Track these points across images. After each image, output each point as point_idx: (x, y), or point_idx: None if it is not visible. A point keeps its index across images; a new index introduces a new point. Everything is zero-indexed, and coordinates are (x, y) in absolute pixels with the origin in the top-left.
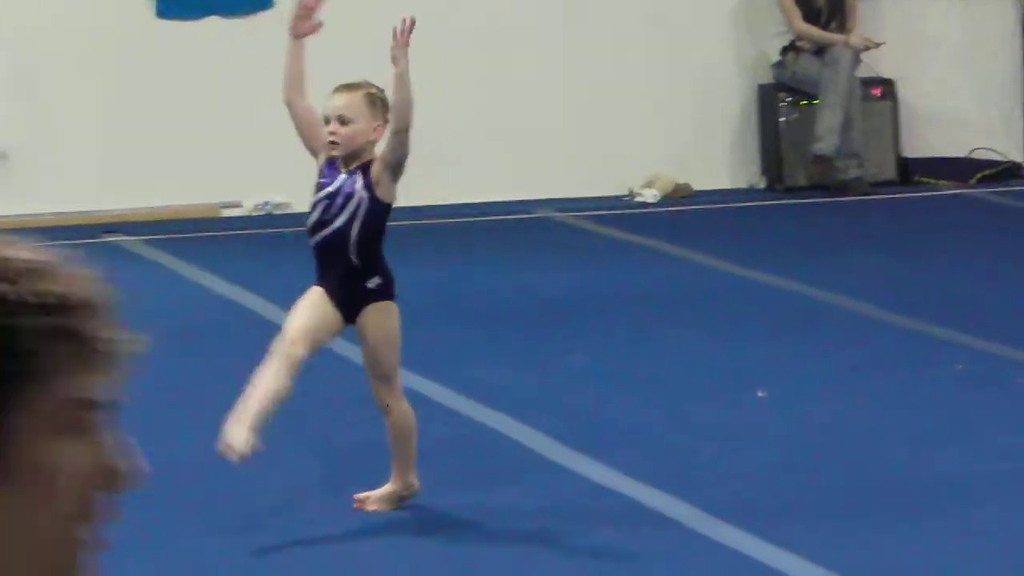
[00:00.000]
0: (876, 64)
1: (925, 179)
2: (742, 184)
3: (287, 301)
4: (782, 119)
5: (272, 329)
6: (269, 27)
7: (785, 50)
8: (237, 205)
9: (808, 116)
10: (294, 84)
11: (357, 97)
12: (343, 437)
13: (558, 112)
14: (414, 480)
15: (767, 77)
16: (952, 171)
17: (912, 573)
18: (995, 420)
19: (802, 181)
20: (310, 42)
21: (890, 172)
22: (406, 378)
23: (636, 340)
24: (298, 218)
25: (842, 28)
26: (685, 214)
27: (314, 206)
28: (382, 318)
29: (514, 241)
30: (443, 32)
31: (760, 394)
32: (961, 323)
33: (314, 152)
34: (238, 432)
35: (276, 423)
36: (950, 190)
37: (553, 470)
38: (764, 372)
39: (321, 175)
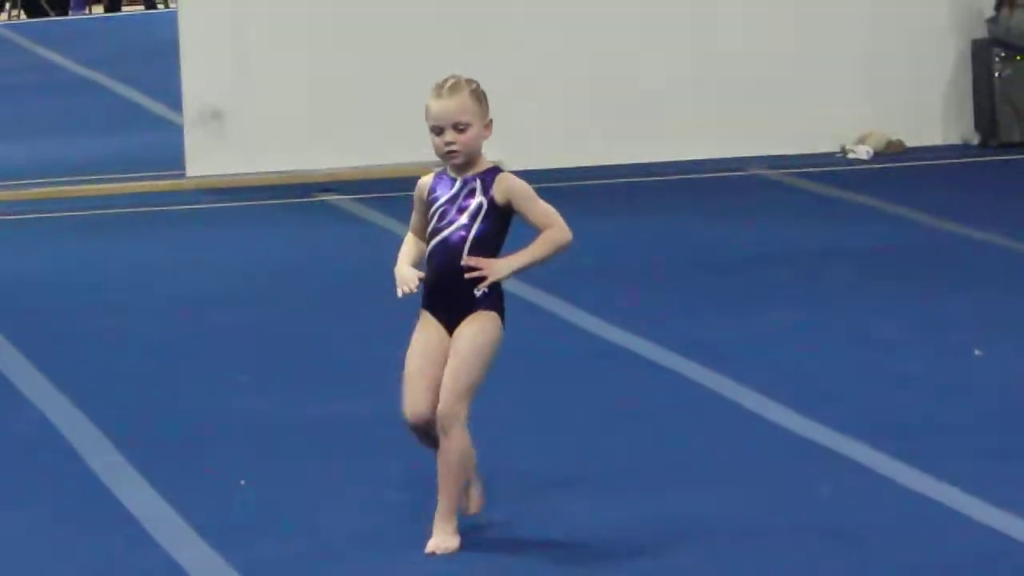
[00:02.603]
0: None
1: None
2: (956, 140)
3: None
4: (996, 74)
5: None
6: None
7: (999, 5)
8: None
9: (1023, 71)
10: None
11: (466, 97)
12: None
13: (770, 68)
14: (467, 502)
15: (981, 32)
16: None
17: None
18: None
19: (1017, 137)
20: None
21: None
22: (614, 335)
23: (847, 296)
24: None
25: None
26: (898, 171)
27: (431, 217)
28: (479, 328)
29: (726, 198)
30: None
31: (977, 352)
32: None
33: (423, 198)
34: (445, 541)
35: None
36: None
37: (762, 427)
38: (978, 329)
39: (432, 192)
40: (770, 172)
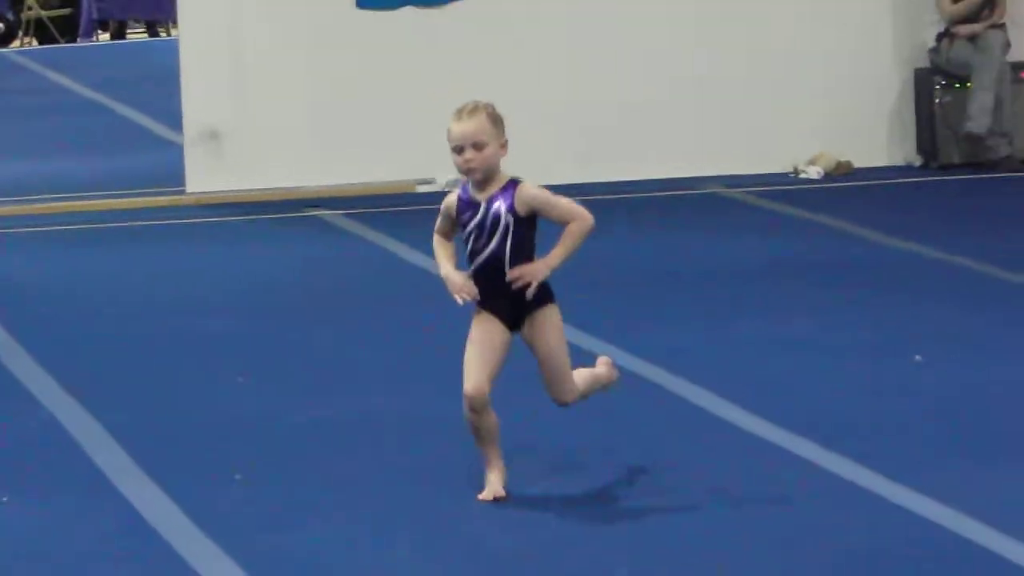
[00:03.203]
0: None
1: None
2: (899, 162)
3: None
4: (937, 101)
5: None
6: (460, 16)
7: (940, 37)
8: (430, 181)
9: (961, 98)
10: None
11: (483, 120)
12: None
13: (730, 95)
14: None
15: (923, 62)
16: None
17: None
18: None
19: (955, 159)
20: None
21: None
22: (585, 341)
23: (799, 305)
24: None
25: (991, 16)
26: (846, 190)
27: (467, 239)
28: (550, 323)
29: (687, 215)
30: (627, 21)
31: (917, 358)
32: None
33: (453, 218)
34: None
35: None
36: None
37: (718, 426)
38: (919, 336)
39: (460, 213)
40: (728, 191)
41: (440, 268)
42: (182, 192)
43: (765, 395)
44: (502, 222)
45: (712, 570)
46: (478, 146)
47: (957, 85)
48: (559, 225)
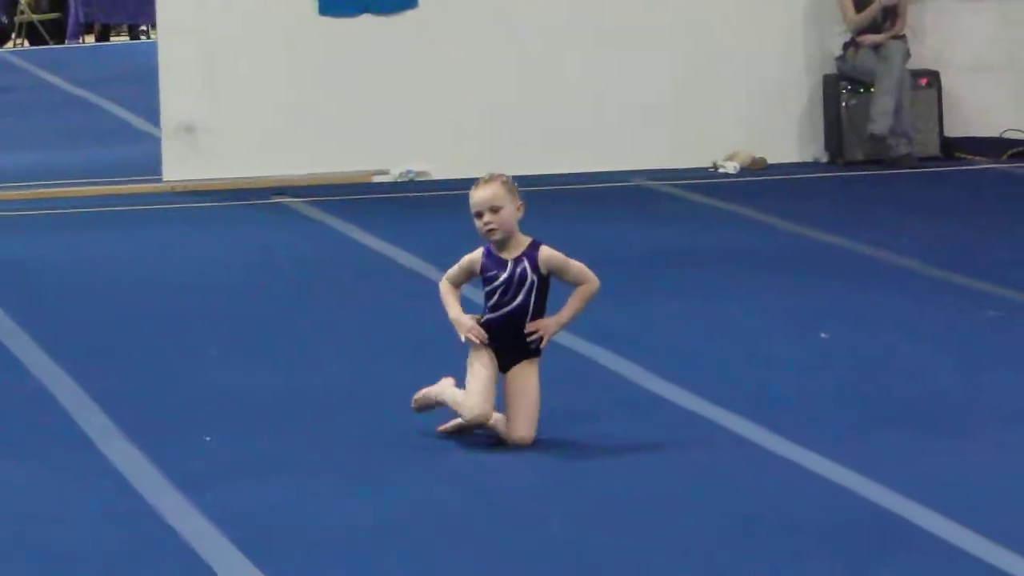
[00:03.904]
0: (923, 59)
1: (963, 155)
2: (809, 158)
3: (426, 254)
4: (843, 104)
5: (410, 275)
6: (412, 23)
7: (846, 46)
8: (385, 172)
9: (865, 102)
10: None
11: (498, 187)
12: None
13: (656, 95)
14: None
15: (831, 69)
16: (986, 149)
17: (956, 484)
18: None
19: (859, 156)
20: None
21: (934, 149)
22: None
23: (719, 289)
24: (435, 184)
25: (892, 27)
26: (760, 183)
27: (491, 293)
28: (535, 368)
29: (615, 205)
30: (561, 26)
31: (823, 335)
32: (993, 276)
33: (474, 273)
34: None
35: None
36: (984, 165)
37: (644, 396)
38: (826, 316)
39: (486, 270)
40: (653, 183)
41: (449, 311)
42: (159, 180)
43: (688, 369)
44: (528, 279)
45: (636, 526)
46: (495, 209)
47: (861, 90)
48: (570, 285)
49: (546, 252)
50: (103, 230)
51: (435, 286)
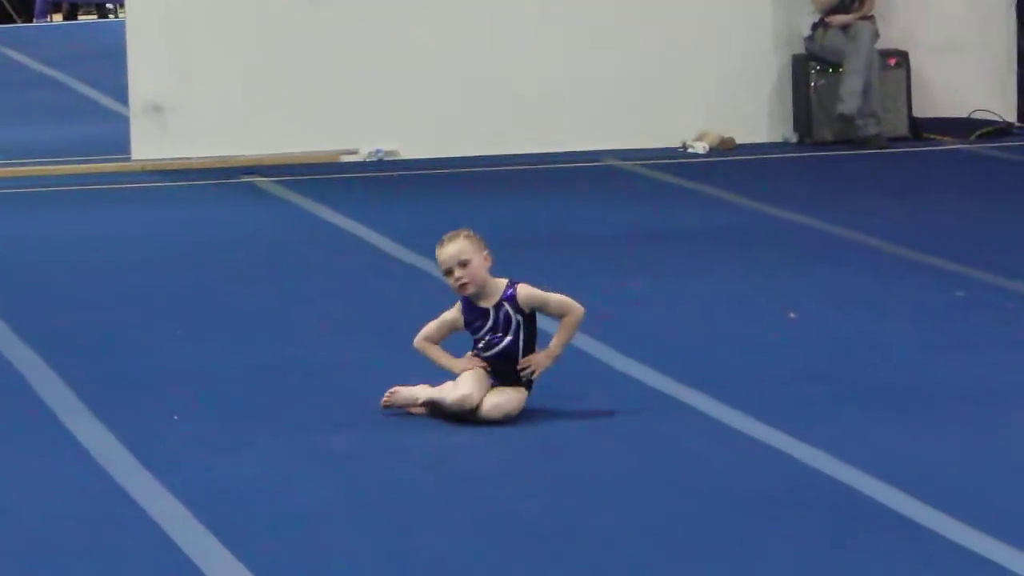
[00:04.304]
0: (892, 39)
1: (932, 136)
2: (778, 139)
3: (394, 233)
4: (812, 84)
5: (377, 254)
6: (382, 3)
7: (815, 26)
8: (354, 152)
9: (834, 82)
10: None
11: (462, 241)
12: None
13: (625, 75)
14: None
15: (800, 49)
16: (954, 129)
17: (919, 462)
18: (989, 338)
19: (828, 136)
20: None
21: (902, 129)
22: None
23: (686, 267)
24: (404, 164)
25: (861, 8)
26: (729, 163)
27: (478, 340)
28: (518, 393)
29: (586, 185)
30: (532, 6)
31: (791, 315)
32: (961, 256)
33: (458, 328)
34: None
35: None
36: (952, 145)
37: (615, 377)
38: (794, 296)
39: (469, 323)
40: (623, 163)
41: (440, 361)
42: (128, 159)
43: (655, 347)
44: (513, 321)
45: (602, 504)
46: (463, 264)
47: (830, 70)
48: (555, 318)
49: (524, 292)
50: (71, 209)
51: (405, 266)
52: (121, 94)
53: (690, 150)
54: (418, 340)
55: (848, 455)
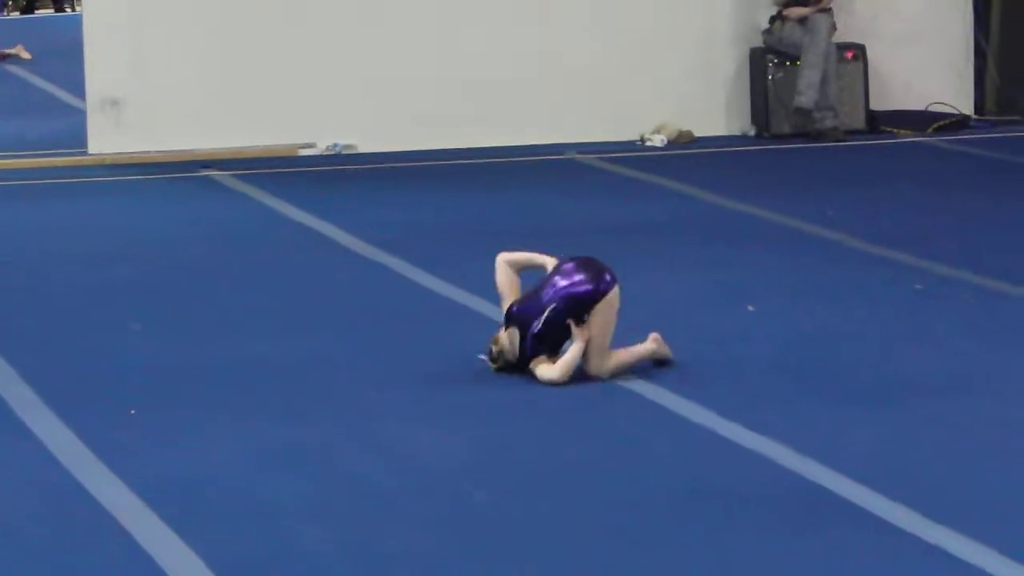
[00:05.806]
0: (849, 32)
1: (889, 128)
2: (736, 132)
3: (350, 226)
4: (770, 77)
5: (336, 248)
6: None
7: (773, 19)
8: (311, 146)
9: (792, 75)
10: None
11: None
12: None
13: (585, 70)
14: None
15: (758, 42)
16: (912, 122)
17: (879, 455)
18: (949, 330)
19: (786, 129)
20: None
21: (860, 122)
22: (448, 291)
23: (645, 259)
24: (362, 158)
25: (819, 1)
26: (687, 156)
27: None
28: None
29: (548, 178)
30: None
31: (750, 308)
32: (918, 249)
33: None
34: None
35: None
36: (910, 138)
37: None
38: (753, 289)
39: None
40: (583, 156)
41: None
42: (84, 153)
43: (614, 340)
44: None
45: (561, 497)
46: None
47: (788, 63)
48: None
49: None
50: (28, 203)
51: (363, 259)
52: (78, 88)
53: (648, 143)
54: (502, 257)
55: (808, 448)
